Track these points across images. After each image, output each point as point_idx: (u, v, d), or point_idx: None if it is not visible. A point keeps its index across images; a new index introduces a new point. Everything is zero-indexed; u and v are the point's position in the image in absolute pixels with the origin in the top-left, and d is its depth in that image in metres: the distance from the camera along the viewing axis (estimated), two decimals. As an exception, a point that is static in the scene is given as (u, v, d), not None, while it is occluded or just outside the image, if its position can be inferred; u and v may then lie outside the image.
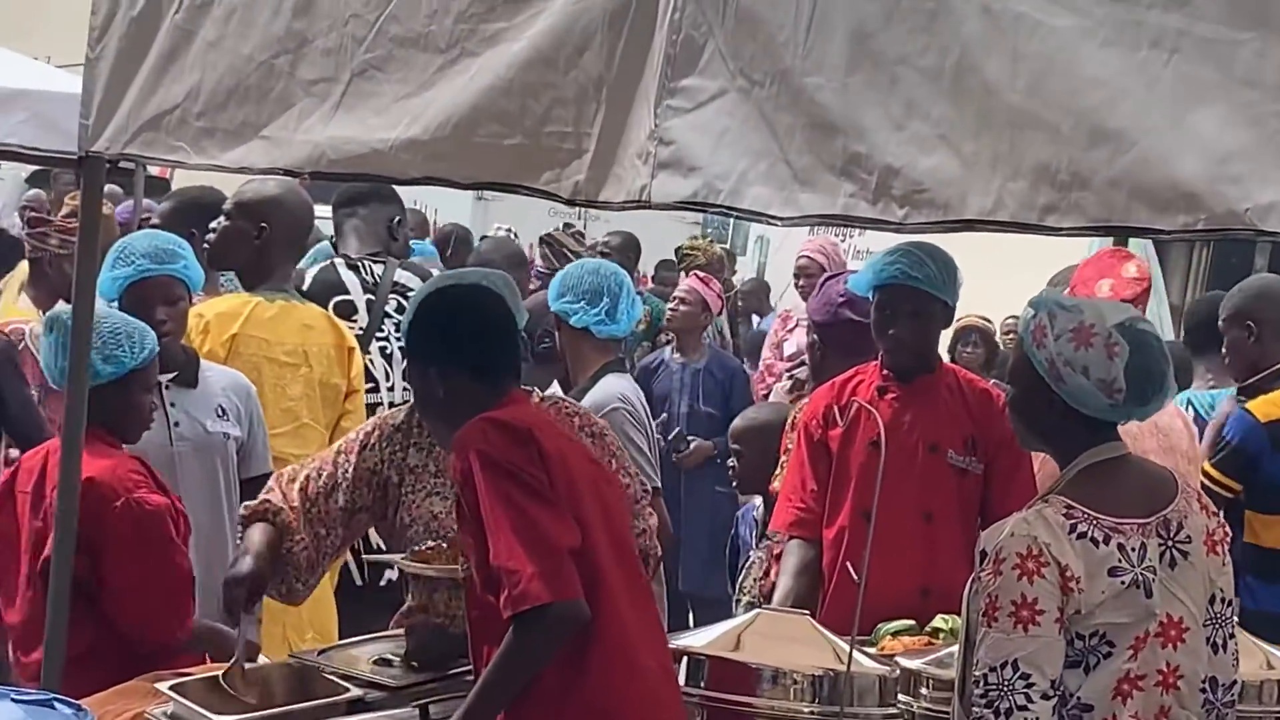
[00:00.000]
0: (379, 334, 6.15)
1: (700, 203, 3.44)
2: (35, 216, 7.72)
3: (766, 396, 8.77)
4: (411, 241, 7.48)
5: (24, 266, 7.38)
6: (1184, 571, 3.55)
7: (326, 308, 6.02)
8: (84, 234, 4.51)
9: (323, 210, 6.71)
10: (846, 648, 3.94)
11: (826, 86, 3.25)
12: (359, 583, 5.79)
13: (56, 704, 3.23)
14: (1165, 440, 5.43)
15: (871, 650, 4.40)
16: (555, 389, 5.35)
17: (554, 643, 3.62)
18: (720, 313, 10.48)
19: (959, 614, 3.70)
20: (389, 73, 3.86)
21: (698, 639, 4.15)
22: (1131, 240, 5.97)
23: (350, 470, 4.45)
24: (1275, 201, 2.85)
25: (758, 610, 4.48)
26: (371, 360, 6.10)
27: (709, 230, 17.42)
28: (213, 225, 5.97)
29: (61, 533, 4.43)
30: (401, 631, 4.42)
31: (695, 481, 8.78)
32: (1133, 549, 3.51)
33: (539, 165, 3.65)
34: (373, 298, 6.18)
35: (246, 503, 4.50)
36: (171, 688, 4.06)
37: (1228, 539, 3.66)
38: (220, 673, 4.10)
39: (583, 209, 7.84)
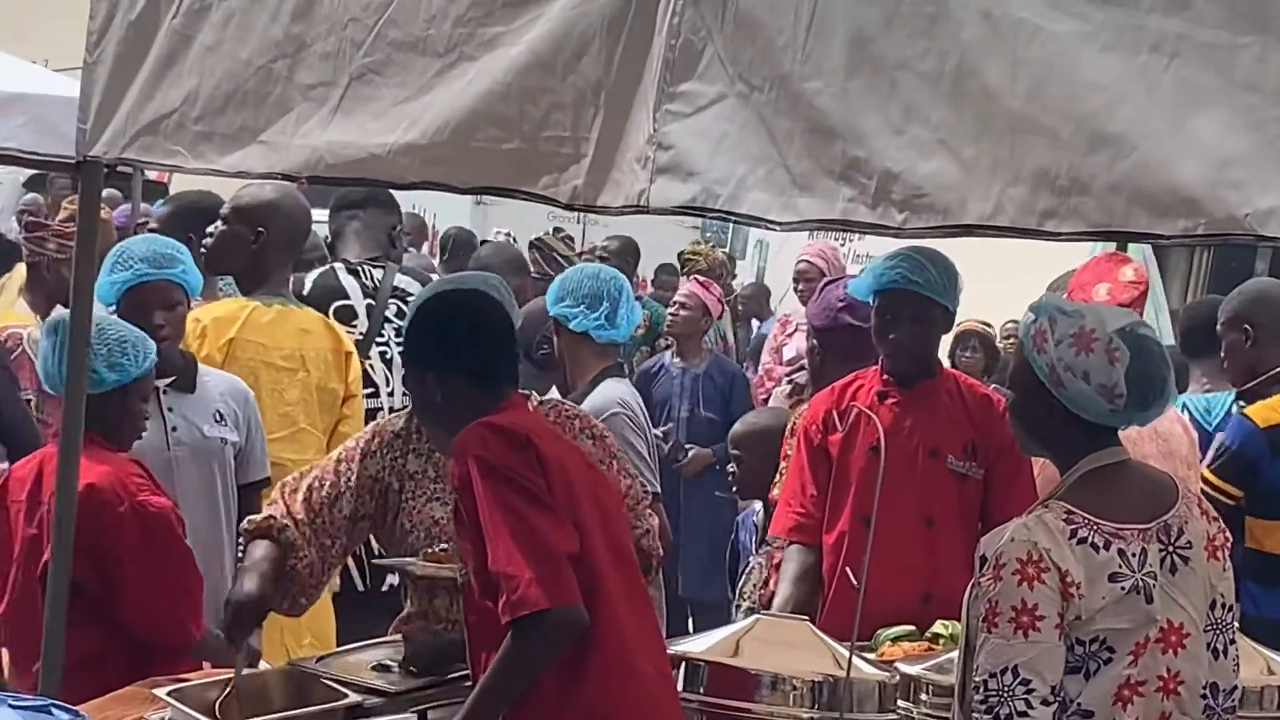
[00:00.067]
0: (379, 339, 6.15)
1: (699, 207, 3.44)
2: (33, 221, 7.72)
3: (766, 401, 8.77)
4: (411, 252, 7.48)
5: (21, 271, 7.38)
6: (1185, 577, 3.55)
7: (327, 313, 6.01)
8: (82, 238, 4.50)
9: (320, 215, 6.71)
10: (846, 653, 3.93)
11: (825, 91, 3.25)
12: (361, 588, 5.79)
13: (54, 710, 3.22)
14: (1164, 445, 5.43)
15: (871, 656, 4.39)
16: (554, 394, 5.34)
17: (552, 648, 3.61)
18: (720, 317, 10.48)
19: (959, 619, 3.69)
20: (387, 77, 3.86)
21: (697, 644, 4.15)
22: (1129, 245, 5.96)
23: (353, 478, 4.45)
24: (1275, 207, 2.84)
25: (757, 615, 4.47)
26: (371, 365, 6.10)
27: (708, 235, 17.42)
28: (210, 230, 5.96)
29: (59, 539, 4.42)
30: (400, 637, 4.42)
31: (695, 487, 8.78)
32: (1133, 554, 3.50)
33: (537, 170, 3.64)
34: (373, 303, 6.18)
35: (250, 517, 4.47)
36: (169, 693, 4.05)
37: (1228, 544, 3.66)
38: (217, 700, 4.08)
39: (582, 213, 7.86)
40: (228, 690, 4.09)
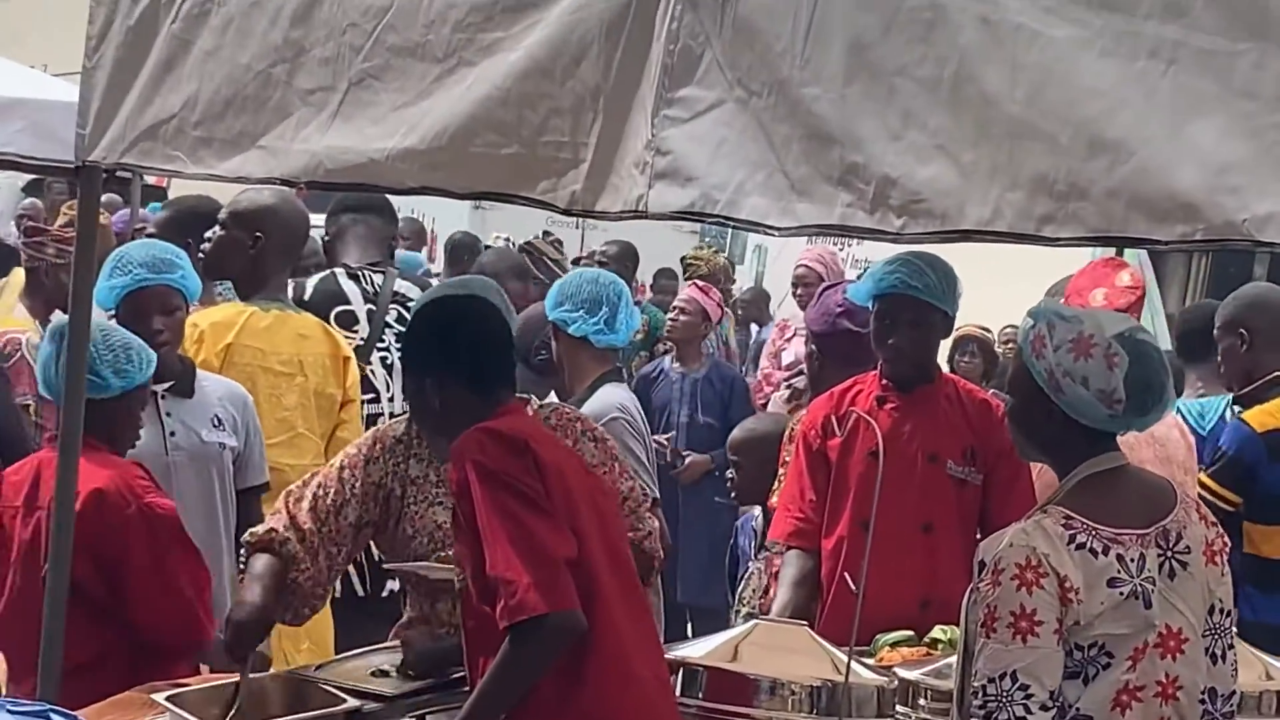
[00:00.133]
0: (380, 344, 6.15)
1: (697, 213, 3.44)
2: (32, 226, 7.71)
3: (765, 406, 8.77)
4: (405, 253, 7.48)
5: (19, 275, 7.37)
6: (1183, 582, 3.55)
7: (328, 318, 6.01)
8: (81, 243, 4.50)
9: (318, 220, 6.71)
10: (845, 658, 3.93)
11: (824, 97, 3.25)
12: (361, 593, 5.78)
13: (52, 715, 3.21)
14: (1162, 450, 5.43)
15: (870, 661, 4.39)
16: (553, 399, 5.34)
17: (550, 653, 3.61)
18: (720, 321, 10.48)
19: (958, 624, 3.69)
20: (386, 82, 3.86)
21: (695, 649, 4.15)
22: (1125, 249, 5.96)
23: (358, 485, 4.45)
24: (1273, 212, 2.84)
25: (755, 621, 4.47)
26: (372, 371, 6.10)
27: (707, 239, 17.42)
28: (208, 235, 5.96)
29: (58, 543, 4.42)
30: (398, 644, 4.42)
31: (693, 492, 8.78)
32: (1132, 560, 3.50)
33: (536, 175, 3.64)
34: (374, 308, 6.18)
35: (253, 529, 4.46)
36: (168, 698, 4.05)
37: (1227, 549, 3.66)
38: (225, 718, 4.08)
39: (580, 218, 7.85)
40: (235, 709, 4.09)
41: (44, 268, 6.91)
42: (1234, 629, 3.66)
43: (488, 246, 11.05)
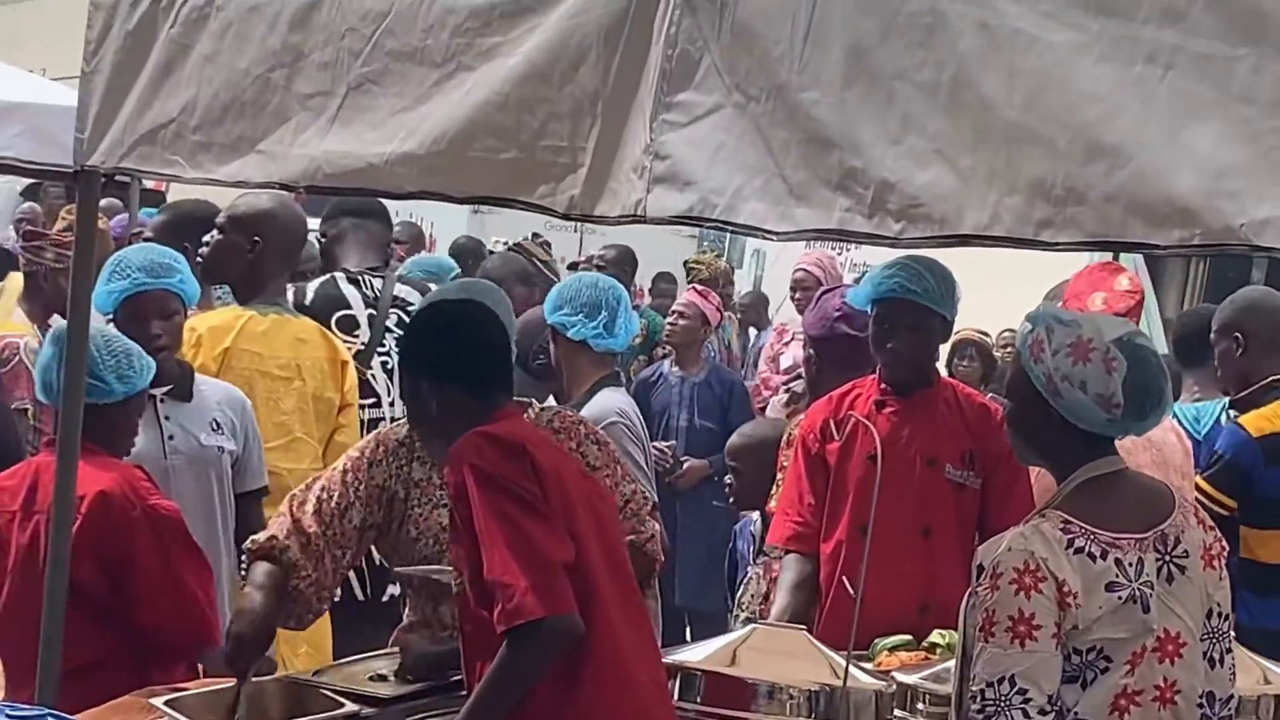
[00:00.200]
0: (380, 349, 6.15)
1: (696, 217, 3.44)
2: (31, 230, 7.72)
3: (763, 410, 8.77)
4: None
5: (17, 280, 7.37)
6: (1181, 586, 3.55)
7: (329, 322, 6.02)
8: (79, 248, 4.51)
9: (314, 224, 6.71)
10: (843, 663, 3.93)
11: (823, 101, 3.25)
12: (361, 598, 5.78)
13: (50, 719, 3.22)
14: (1159, 455, 5.42)
15: (868, 665, 4.39)
16: (551, 403, 5.34)
17: (547, 657, 3.61)
18: (722, 325, 10.48)
19: (956, 629, 3.69)
20: (385, 87, 3.86)
21: (694, 653, 4.15)
22: (1123, 254, 5.96)
23: (362, 488, 4.45)
24: (1270, 217, 2.84)
25: (754, 625, 4.47)
26: (373, 375, 6.10)
27: (705, 244, 17.43)
28: (206, 239, 5.96)
29: (57, 546, 4.42)
30: (397, 649, 4.42)
31: (692, 496, 8.77)
32: (1130, 564, 3.50)
33: (534, 179, 3.65)
34: (374, 312, 6.18)
35: (254, 537, 4.46)
36: (167, 703, 4.05)
37: (1225, 553, 3.66)
38: None
39: (579, 223, 7.85)
40: (234, 714, 4.09)
41: (42, 272, 6.91)
42: (1232, 633, 3.66)
43: (492, 252, 11.05)
